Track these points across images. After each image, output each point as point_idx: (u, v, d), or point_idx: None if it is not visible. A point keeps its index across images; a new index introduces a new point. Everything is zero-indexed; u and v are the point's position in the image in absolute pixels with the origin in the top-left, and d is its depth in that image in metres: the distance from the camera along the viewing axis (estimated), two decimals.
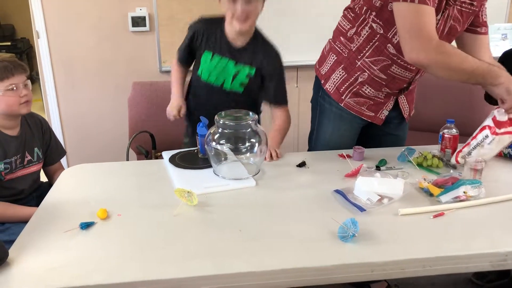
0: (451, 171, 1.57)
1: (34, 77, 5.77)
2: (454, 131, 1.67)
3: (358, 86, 1.72)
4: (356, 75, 1.70)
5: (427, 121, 2.67)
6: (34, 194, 1.88)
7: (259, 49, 1.89)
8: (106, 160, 1.80)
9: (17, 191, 1.81)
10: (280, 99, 1.93)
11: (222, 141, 1.54)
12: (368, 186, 1.39)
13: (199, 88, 1.98)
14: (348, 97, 1.75)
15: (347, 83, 1.73)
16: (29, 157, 1.83)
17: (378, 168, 1.60)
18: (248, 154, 1.58)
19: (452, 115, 1.93)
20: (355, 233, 1.16)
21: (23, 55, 5.98)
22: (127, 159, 1.95)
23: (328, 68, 1.78)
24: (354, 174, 1.53)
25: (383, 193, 1.37)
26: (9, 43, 5.92)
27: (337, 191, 1.42)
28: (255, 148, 1.56)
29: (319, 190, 1.46)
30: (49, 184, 1.95)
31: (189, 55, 1.98)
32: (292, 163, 1.67)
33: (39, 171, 1.92)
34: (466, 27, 1.66)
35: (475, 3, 1.58)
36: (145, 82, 2.47)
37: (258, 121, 1.94)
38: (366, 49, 1.65)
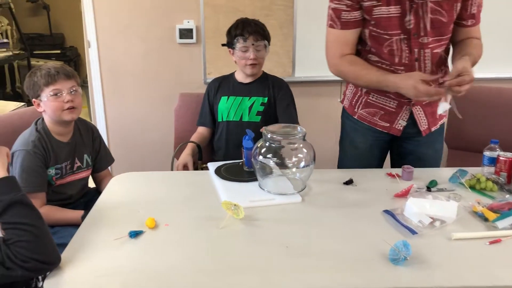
0: (507, 195, 1.51)
1: (80, 85, 5.96)
2: (509, 154, 1.61)
3: (365, 96, 1.82)
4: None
5: (467, 140, 2.59)
6: (82, 200, 1.92)
7: (269, 82, 2.16)
8: (150, 169, 1.83)
9: (66, 196, 1.85)
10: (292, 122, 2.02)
11: (268, 155, 1.53)
12: (420, 208, 1.34)
13: (221, 130, 2.17)
14: (360, 108, 1.85)
15: (357, 96, 1.85)
16: (79, 163, 1.88)
17: (428, 189, 1.55)
18: (294, 169, 1.57)
19: (495, 134, 1.85)
20: (407, 256, 1.12)
21: (71, 63, 6.18)
22: (172, 169, 1.97)
23: (346, 86, 1.96)
24: (404, 195, 1.49)
25: (435, 215, 1.33)
26: (58, 51, 6.13)
27: (387, 212, 1.39)
28: (302, 163, 1.55)
29: (367, 209, 1.43)
30: (96, 190, 1.99)
31: (209, 114, 2.19)
32: (338, 180, 1.64)
33: (88, 177, 1.96)
34: (455, 18, 1.65)
35: None
36: (191, 93, 2.50)
37: None
38: None
